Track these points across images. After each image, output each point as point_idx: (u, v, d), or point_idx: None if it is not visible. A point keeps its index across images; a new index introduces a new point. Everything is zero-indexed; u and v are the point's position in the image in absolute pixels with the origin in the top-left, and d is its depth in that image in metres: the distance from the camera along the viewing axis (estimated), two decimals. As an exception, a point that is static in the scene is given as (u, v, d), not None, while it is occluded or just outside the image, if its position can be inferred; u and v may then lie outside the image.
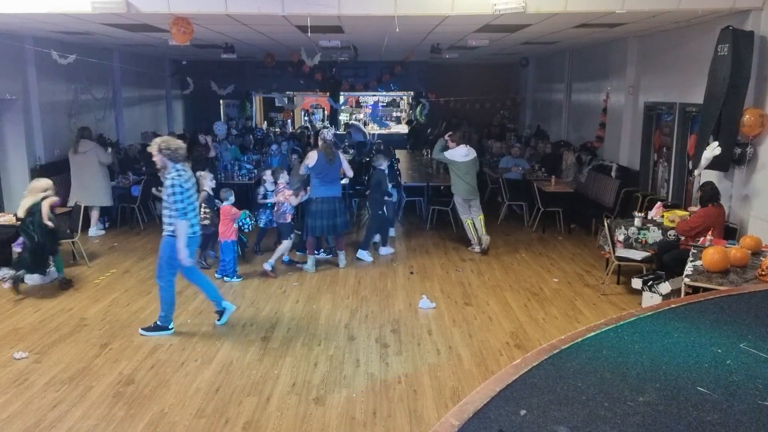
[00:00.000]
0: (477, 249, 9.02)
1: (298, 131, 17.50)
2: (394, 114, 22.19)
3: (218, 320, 6.23)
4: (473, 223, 9.12)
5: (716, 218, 6.51)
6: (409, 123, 19.93)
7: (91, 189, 9.70)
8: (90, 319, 6.40)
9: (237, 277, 7.65)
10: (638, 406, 1.61)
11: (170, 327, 6.04)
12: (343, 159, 8.17)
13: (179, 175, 5.61)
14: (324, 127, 18.55)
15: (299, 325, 6.27)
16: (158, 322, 6.02)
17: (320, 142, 8.09)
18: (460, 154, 9.11)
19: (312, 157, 7.95)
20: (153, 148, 5.70)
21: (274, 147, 12.35)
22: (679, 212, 7.33)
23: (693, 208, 7.41)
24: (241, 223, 7.63)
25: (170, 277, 5.94)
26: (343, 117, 21.43)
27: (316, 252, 8.37)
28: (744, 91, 6.51)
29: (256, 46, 11.59)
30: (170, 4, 6.56)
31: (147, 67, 14.23)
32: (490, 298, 7.07)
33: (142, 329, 6.02)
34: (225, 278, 7.62)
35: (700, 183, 7.57)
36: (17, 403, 4.64)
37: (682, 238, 6.78)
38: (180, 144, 5.78)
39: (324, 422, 4.40)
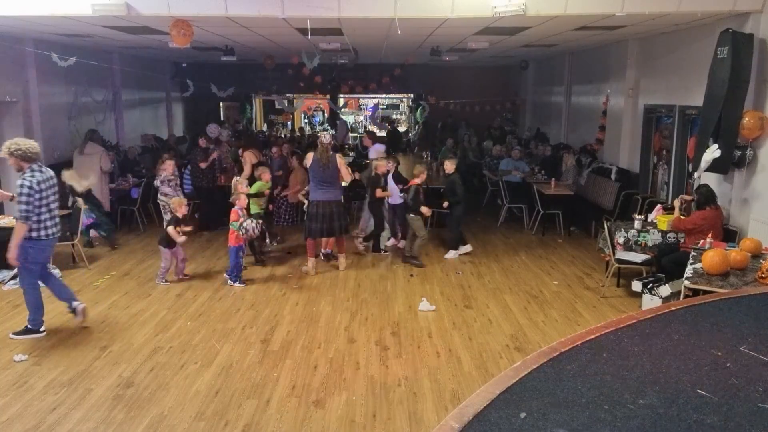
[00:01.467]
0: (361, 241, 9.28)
1: (297, 134, 17.55)
2: (394, 116, 22.21)
3: (74, 316, 6.04)
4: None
5: (714, 220, 6.53)
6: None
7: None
8: (89, 321, 6.38)
9: (240, 283, 7.58)
10: (638, 408, 1.61)
11: (41, 330, 5.94)
12: (341, 164, 8.08)
13: (32, 176, 5.58)
14: (324, 130, 18.63)
15: (299, 327, 6.26)
16: (29, 326, 5.92)
17: (318, 144, 8.08)
18: (380, 150, 9.19)
19: (308, 158, 8.01)
20: (4, 152, 5.60)
21: (274, 149, 12.36)
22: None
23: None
24: (239, 229, 7.45)
25: (32, 280, 5.84)
26: (344, 118, 21.47)
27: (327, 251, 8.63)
28: (744, 94, 6.52)
29: (256, 48, 11.61)
30: (170, 6, 6.57)
31: (147, 70, 14.24)
32: (489, 301, 7.07)
33: (13, 333, 5.91)
34: (229, 282, 7.60)
35: (696, 186, 7.58)
36: (16, 406, 4.64)
37: (681, 240, 6.79)
38: (32, 143, 5.69)
39: (324, 425, 4.40)
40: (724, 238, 6.60)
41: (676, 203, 7.17)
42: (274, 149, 12.20)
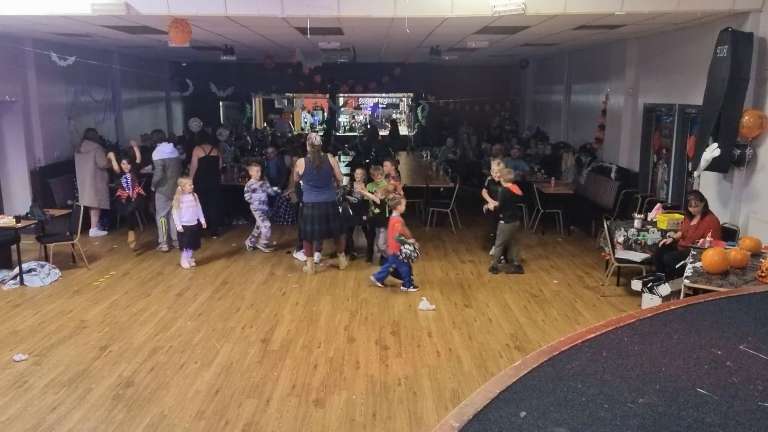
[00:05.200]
0: (165, 248, 9.10)
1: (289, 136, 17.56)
2: (394, 115, 22.21)
3: None
4: (167, 221, 9.10)
5: (717, 224, 6.61)
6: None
7: (87, 189, 9.75)
8: (89, 321, 6.40)
9: (413, 287, 7.33)
10: (638, 407, 1.61)
11: None
12: (335, 164, 7.99)
13: None
14: (314, 131, 18.62)
15: (299, 327, 6.27)
16: None
17: (308, 147, 8.01)
18: (165, 151, 9.10)
19: (300, 165, 7.92)
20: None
21: (270, 150, 12.39)
22: (676, 215, 7.32)
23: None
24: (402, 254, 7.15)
25: None
26: (342, 118, 21.45)
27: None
28: (743, 93, 6.51)
29: (256, 47, 11.60)
30: (170, 5, 6.56)
31: (146, 69, 14.22)
32: (489, 300, 7.07)
33: None
34: (409, 288, 7.33)
35: (695, 187, 7.59)
36: (16, 406, 4.64)
37: (679, 239, 6.81)
38: None
39: (324, 424, 4.40)
40: (723, 238, 6.61)
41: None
42: (270, 149, 12.23)
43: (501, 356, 5.56)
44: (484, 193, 8.57)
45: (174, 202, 8.19)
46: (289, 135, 17.32)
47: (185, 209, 8.16)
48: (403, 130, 20.70)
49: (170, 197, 8.89)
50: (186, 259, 8.39)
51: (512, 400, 1.64)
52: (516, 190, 8.04)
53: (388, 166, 8.85)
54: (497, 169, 8.42)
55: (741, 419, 1.55)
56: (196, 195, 8.32)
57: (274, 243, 9.43)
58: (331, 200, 7.94)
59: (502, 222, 8.00)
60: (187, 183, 8.24)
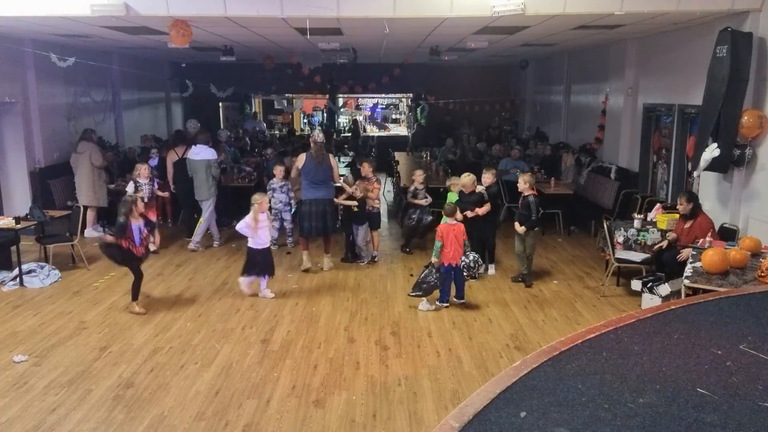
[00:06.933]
0: (192, 247, 9.16)
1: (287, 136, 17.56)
2: (393, 116, 22.22)
3: None
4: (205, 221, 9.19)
5: (709, 225, 6.62)
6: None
7: (85, 188, 9.75)
8: (89, 322, 6.39)
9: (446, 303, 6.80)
10: (638, 407, 1.61)
11: None
12: (334, 164, 8.06)
13: None
14: (322, 130, 18.55)
15: (299, 327, 6.26)
16: None
17: (311, 144, 8.08)
18: (190, 151, 9.07)
19: (300, 159, 8.00)
20: None
21: (269, 150, 12.42)
22: (676, 215, 7.31)
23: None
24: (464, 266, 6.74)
25: None
26: (342, 119, 21.46)
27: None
28: (743, 93, 6.52)
29: (256, 48, 11.60)
30: (169, 6, 6.56)
31: (146, 70, 14.22)
32: (489, 300, 7.06)
33: None
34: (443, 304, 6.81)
35: (695, 187, 7.58)
36: (16, 407, 4.64)
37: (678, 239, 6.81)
38: None
39: (324, 425, 4.40)
40: (723, 238, 6.61)
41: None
42: (270, 150, 12.28)
43: (501, 356, 5.56)
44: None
45: (252, 223, 6.82)
46: (260, 136, 17.24)
47: (261, 230, 6.89)
48: (403, 130, 20.73)
49: (201, 198, 9.03)
50: (266, 288, 7.12)
51: (512, 401, 1.64)
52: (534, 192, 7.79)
53: (366, 167, 8.75)
54: (524, 181, 7.88)
55: (741, 419, 1.55)
56: (268, 213, 7.18)
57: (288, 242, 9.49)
58: (328, 197, 7.97)
59: (537, 230, 7.68)
60: (264, 201, 6.97)
